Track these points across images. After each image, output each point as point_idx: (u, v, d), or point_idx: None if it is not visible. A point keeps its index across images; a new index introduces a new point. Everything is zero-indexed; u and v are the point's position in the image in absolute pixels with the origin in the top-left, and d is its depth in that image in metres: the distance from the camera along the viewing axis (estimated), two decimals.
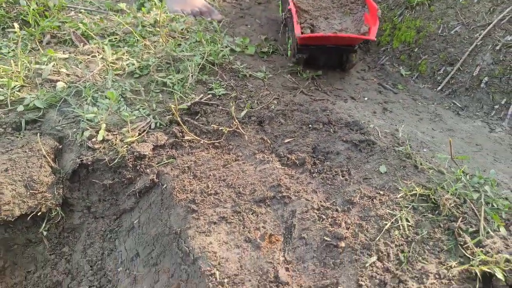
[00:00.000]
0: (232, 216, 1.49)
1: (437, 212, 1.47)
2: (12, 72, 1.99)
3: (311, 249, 1.39)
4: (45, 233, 1.61)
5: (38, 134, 1.68)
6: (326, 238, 1.40)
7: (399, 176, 1.62)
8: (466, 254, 1.30)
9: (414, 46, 2.50)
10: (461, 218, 1.43)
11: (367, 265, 1.29)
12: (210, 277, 1.26)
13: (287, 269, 1.33)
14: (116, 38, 2.45)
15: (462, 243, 1.33)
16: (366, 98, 2.24)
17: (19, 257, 1.63)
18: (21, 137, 1.68)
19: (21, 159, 1.57)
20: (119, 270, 1.52)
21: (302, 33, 2.21)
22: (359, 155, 1.76)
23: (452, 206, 1.46)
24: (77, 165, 1.63)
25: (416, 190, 1.53)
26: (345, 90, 2.28)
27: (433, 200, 1.50)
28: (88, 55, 2.23)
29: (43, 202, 1.56)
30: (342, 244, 1.37)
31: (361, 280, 1.25)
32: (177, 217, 1.47)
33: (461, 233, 1.37)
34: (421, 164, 1.68)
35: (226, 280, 1.25)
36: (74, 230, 1.67)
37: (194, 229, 1.41)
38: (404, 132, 1.90)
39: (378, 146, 1.77)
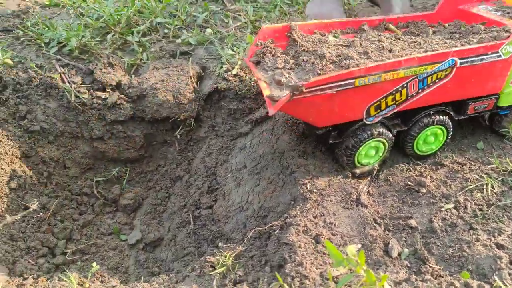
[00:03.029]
0: (329, 151, 1.72)
1: None
2: (175, 16, 2.46)
3: (393, 189, 1.56)
4: (178, 136, 2.02)
5: (190, 60, 2.09)
6: (409, 183, 1.56)
7: (495, 154, 1.69)
8: None
9: None
10: None
11: (442, 209, 1.43)
12: (302, 185, 1.51)
13: (368, 198, 1.52)
14: (257, 5, 2.82)
15: None
16: None
17: (155, 152, 2.07)
18: (175, 61, 2.12)
19: (174, 75, 1.99)
20: (227, 176, 1.85)
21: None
22: (459, 130, 1.85)
23: None
24: (213, 89, 2.01)
25: (510, 166, 1.59)
26: None
27: None
28: (234, 13, 2.63)
29: (183, 111, 1.96)
30: (424, 190, 1.52)
31: (434, 219, 1.39)
32: (283, 142, 1.75)
33: None
34: None
35: (314, 190, 1.49)
36: (198, 141, 2.05)
37: (296, 152, 1.67)
38: None
39: (480, 126, 1.84)
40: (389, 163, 1.68)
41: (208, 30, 2.39)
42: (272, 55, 1.53)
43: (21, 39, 2.08)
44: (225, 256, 1.27)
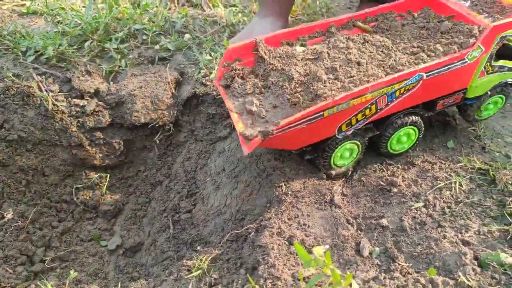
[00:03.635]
0: None
1: (493, 185, 1.58)
2: (153, 22, 2.48)
3: (366, 190, 1.61)
4: (157, 141, 2.04)
5: (168, 66, 2.12)
6: (381, 183, 1.61)
7: (464, 153, 1.75)
8: (510, 220, 1.41)
9: None
10: None
11: (412, 208, 1.48)
12: (278, 188, 1.55)
13: (342, 199, 1.57)
14: (236, 10, 2.85)
15: (509, 212, 1.45)
16: None
17: (135, 157, 2.08)
18: (153, 67, 2.14)
19: (152, 82, 2.02)
20: (206, 180, 1.88)
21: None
22: (430, 130, 1.91)
23: (510, 183, 1.56)
24: (191, 94, 2.04)
25: (477, 164, 1.65)
26: None
27: (491, 175, 1.61)
28: (212, 18, 2.66)
29: (162, 117, 1.98)
30: (395, 190, 1.57)
31: (404, 218, 1.44)
32: None
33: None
34: (489, 146, 1.79)
35: (289, 192, 1.53)
36: (178, 146, 2.08)
37: (272, 155, 1.71)
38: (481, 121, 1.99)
39: (450, 126, 1.90)
40: (363, 163, 1.73)
41: (187, 36, 2.41)
42: (241, 78, 1.55)
43: None
44: (201, 260, 1.30)
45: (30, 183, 1.76)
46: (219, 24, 2.59)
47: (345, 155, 1.62)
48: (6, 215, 1.51)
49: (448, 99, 1.68)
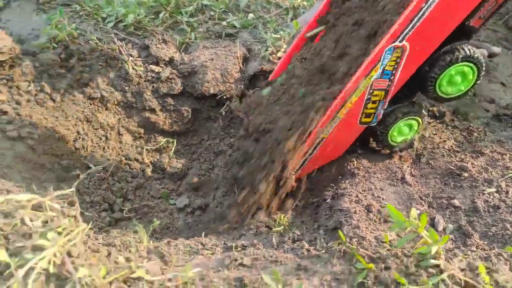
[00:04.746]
0: None
1: None
2: (217, 0, 2.54)
3: (435, 172, 1.63)
4: (223, 113, 2.10)
5: (238, 41, 2.18)
6: (451, 167, 1.62)
7: None
8: None
9: None
10: None
11: (485, 192, 1.49)
12: (349, 162, 1.59)
13: (412, 178, 1.59)
14: None
15: None
16: None
17: (200, 126, 2.16)
18: (223, 42, 2.20)
19: (222, 55, 2.08)
20: None
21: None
22: (498, 124, 1.92)
23: None
24: (258, 70, 2.09)
25: None
26: (497, 77, 2.39)
27: None
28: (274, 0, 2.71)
29: (229, 90, 2.05)
30: (466, 174, 1.59)
31: (477, 200, 1.46)
32: None
33: None
34: None
35: (361, 167, 1.57)
36: (242, 119, 2.14)
37: None
38: None
39: None
40: (429, 148, 1.75)
41: (251, 15, 2.47)
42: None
43: (80, 13, 2.18)
44: (280, 218, 1.36)
45: (108, 139, 1.86)
46: (281, 7, 2.64)
47: (403, 132, 1.59)
48: (95, 166, 1.61)
49: (481, 11, 1.33)
